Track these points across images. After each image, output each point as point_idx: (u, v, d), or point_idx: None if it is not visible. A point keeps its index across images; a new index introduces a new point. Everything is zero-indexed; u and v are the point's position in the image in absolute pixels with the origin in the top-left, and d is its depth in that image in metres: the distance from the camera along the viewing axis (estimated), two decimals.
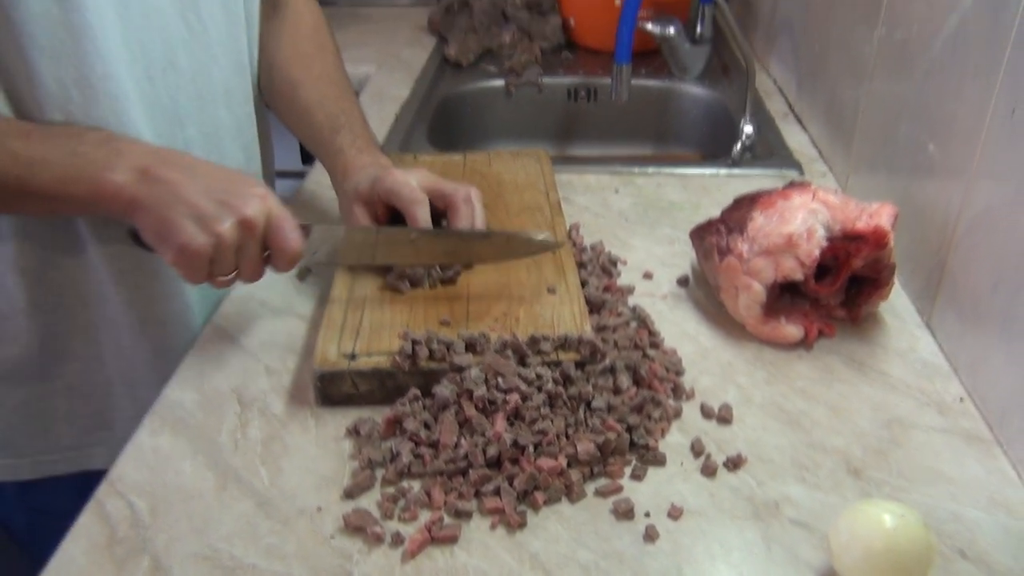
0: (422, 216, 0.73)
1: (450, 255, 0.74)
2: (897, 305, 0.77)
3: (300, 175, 1.07)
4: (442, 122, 1.28)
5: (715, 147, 1.28)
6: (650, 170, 1.03)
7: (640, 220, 0.93)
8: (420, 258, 0.73)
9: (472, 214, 0.75)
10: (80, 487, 0.61)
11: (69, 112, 0.66)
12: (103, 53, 0.66)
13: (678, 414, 0.64)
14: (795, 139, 1.11)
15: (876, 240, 0.68)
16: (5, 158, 0.60)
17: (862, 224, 0.68)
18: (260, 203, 0.63)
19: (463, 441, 0.59)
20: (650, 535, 0.55)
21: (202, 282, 0.64)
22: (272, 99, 0.89)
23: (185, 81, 0.76)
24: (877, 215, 0.69)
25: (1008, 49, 0.62)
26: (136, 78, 0.70)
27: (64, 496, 0.79)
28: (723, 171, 1.02)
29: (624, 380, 0.64)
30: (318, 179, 0.99)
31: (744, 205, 0.74)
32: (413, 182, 0.75)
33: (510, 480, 0.57)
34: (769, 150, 1.08)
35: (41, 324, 0.74)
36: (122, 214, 0.62)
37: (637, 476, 0.59)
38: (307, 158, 1.49)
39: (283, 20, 0.90)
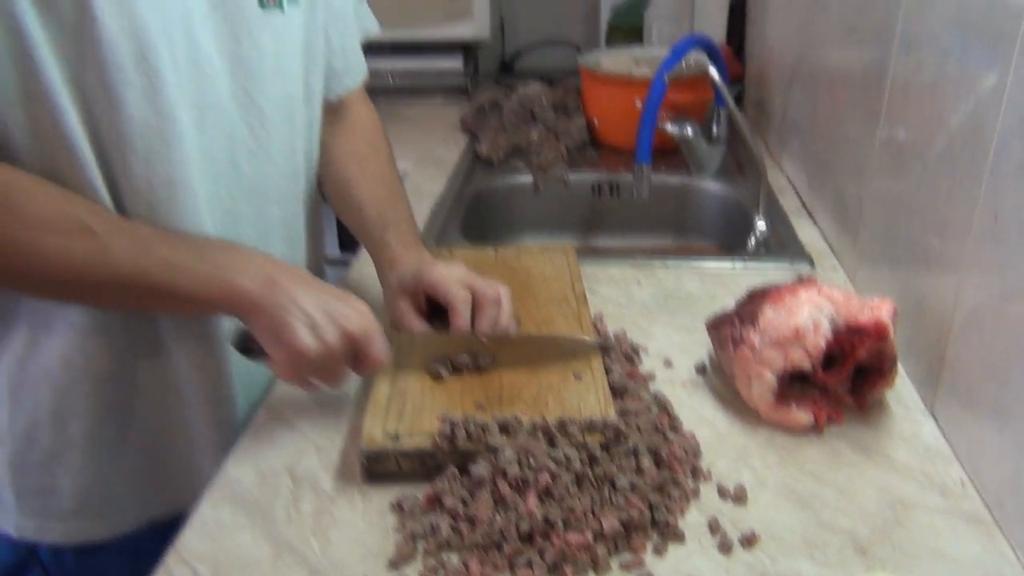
0: (464, 311, 0.80)
1: (504, 352, 0.81)
2: (902, 392, 0.82)
3: (337, 262, 1.16)
4: (475, 216, 1.36)
5: (731, 239, 1.35)
6: (669, 263, 1.10)
7: (660, 310, 0.99)
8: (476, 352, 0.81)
9: (498, 315, 0.82)
10: (134, 553, 0.66)
11: (151, 206, 0.74)
12: (183, 157, 0.75)
13: (696, 494, 0.69)
14: (807, 233, 1.18)
15: (877, 333, 0.74)
16: (153, 262, 0.68)
17: (864, 318, 0.74)
18: (360, 319, 0.71)
19: (498, 517, 0.65)
20: None
21: (297, 381, 0.71)
22: (329, 194, 0.98)
23: (245, 182, 0.84)
24: (878, 310, 0.75)
25: (990, 158, 0.69)
26: (204, 179, 0.79)
27: (120, 564, 0.86)
28: (738, 264, 1.09)
29: (646, 461, 0.69)
30: (361, 269, 1.06)
31: (756, 299, 0.81)
32: (454, 277, 0.83)
33: (541, 554, 0.62)
34: (782, 244, 1.15)
35: (113, 399, 0.80)
36: (242, 315, 0.70)
37: (658, 551, 0.64)
38: (344, 246, 1.58)
39: (343, 123, 0.99)
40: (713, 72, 1.21)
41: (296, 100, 0.87)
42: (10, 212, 0.66)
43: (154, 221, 0.75)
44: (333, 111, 0.97)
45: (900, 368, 0.80)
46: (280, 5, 0.82)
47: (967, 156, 0.73)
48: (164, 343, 0.80)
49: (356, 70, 1.00)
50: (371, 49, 1.04)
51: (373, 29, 1.03)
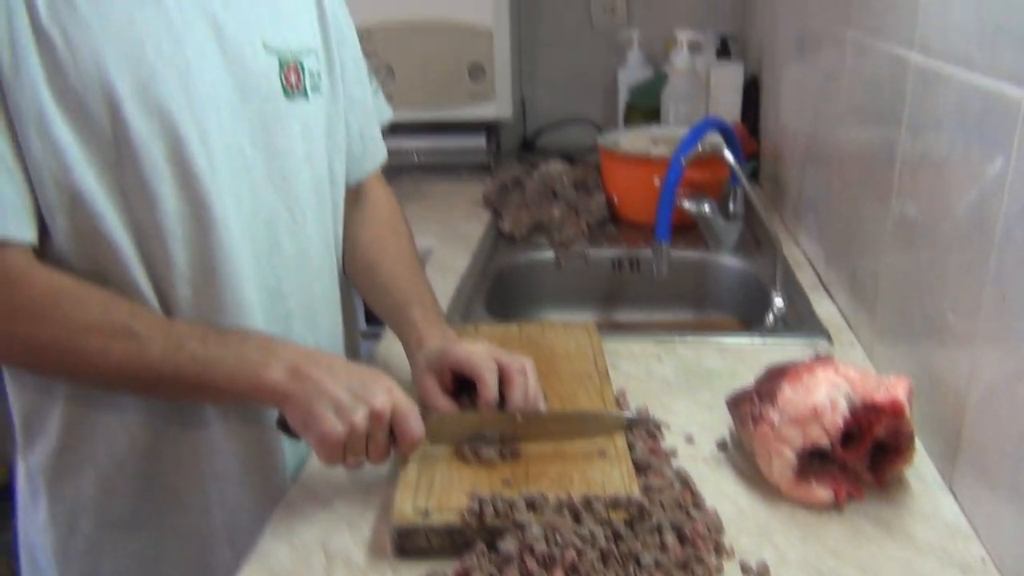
0: (492, 381, 0.83)
1: (529, 429, 0.83)
2: (921, 468, 0.83)
3: (366, 335, 1.20)
4: (498, 292, 1.40)
5: (750, 313, 1.38)
6: (690, 339, 1.13)
7: (682, 386, 1.01)
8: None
9: (526, 384, 0.85)
10: None
11: (196, 289, 0.79)
12: (224, 241, 0.80)
13: (719, 571, 0.71)
14: (824, 308, 1.21)
15: (893, 411, 0.76)
16: (186, 358, 0.73)
17: (880, 397, 0.76)
18: (387, 395, 0.74)
19: None
20: None
21: (336, 463, 0.74)
22: (354, 276, 1.02)
23: (288, 261, 0.88)
24: (894, 388, 0.77)
25: (996, 241, 0.72)
26: (249, 260, 0.83)
27: None
28: (757, 340, 1.12)
29: (670, 538, 0.71)
30: (388, 346, 1.10)
31: (774, 377, 0.83)
32: (480, 352, 0.86)
33: None
34: (800, 319, 1.18)
35: (156, 478, 0.84)
36: (273, 405, 0.74)
37: None
38: (370, 318, 1.62)
39: (364, 208, 1.04)
40: (728, 155, 1.25)
41: (324, 182, 0.93)
42: (56, 318, 0.72)
43: (199, 305, 0.79)
44: (354, 193, 1.02)
45: (919, 444, 0.81)
46: (305, 94, 0.87)
47: (974, 237, 0.76)
48: (208, 419, 0.83)
49: (375, 154, 1.05)
50: (397, 129, 1.10)
51: (388, 116, 1.09)
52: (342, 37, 0.96)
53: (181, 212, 0.77)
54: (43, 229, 0.73)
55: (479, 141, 1.95)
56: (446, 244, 1.53)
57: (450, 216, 1.68)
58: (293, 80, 0.85)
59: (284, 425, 0.76)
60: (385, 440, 0.75)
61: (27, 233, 0.72)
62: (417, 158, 1.96)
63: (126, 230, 0.75)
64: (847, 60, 1.18)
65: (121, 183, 0.74)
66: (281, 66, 0.85)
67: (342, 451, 0.73)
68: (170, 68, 0.75)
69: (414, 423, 0.75)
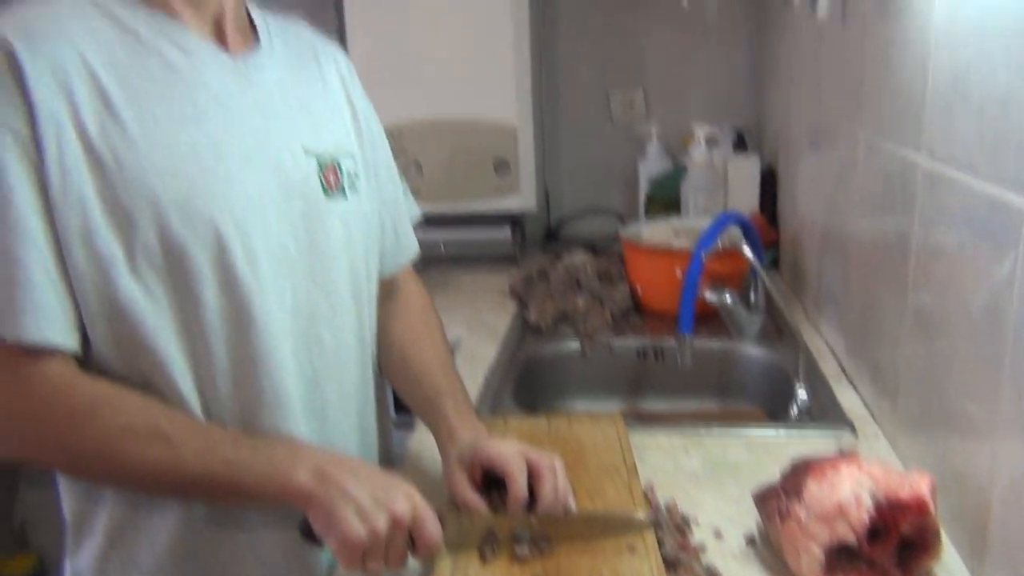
0: (521, 480, 0.86)
1: (558, 527, 0.85)
2: (949, 563, 0.84)
3: (395, 424, 1.23)
4: (525, 382, 1.43)
5: (774, 403, 1.39)
6: (715, 431, 1.15)
7: (709, 479, 1.03)
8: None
9: (555, 481, 0.87)
10: None
11: (238, 382, 0.83)
12: (265, 337, 0.83)
13: None
14: (847, 399, 1.22)
15: (918, 508, 0.77)
16: (218, 462, 0.76)
17: (904, 494, 0.78)
18: (407, 502, 0.77)
19: None
20: None
21: (356, 568, 0.76)
22: (387, 368, 1.06)
23: (326, 352, 0.91)
24: (917, 485, 0.78)
25: (1009, 340, 0.74)
26: (289, 354, 0.87)
27: None
28: (782, 432, 1.13)
29: None
30: (421, 439, 1.13)
31: (800, 472, 0.85)
32: (510, 450, 0.88)
33: None
34: (824, 410, 1.19)
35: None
36: (299, 507, 0.77)
37: None
38: (399, 408, 1.65)
39: (396, 301, 1.08)
40: (747, 251, 1.29)
41: (361, 275, 0.97)
42: (95, 424, 0.76)
43: (240, 399, 0.83)
44: (386, 287, 1.07)
45: (946, 539, 0.82)
46: (343, 193, 0.92)
47: (988, 334, 0.78)
48: (248, 523, 0.86)
49: (407, 249, 1.10)
50: (425, 221, 1.15)
51: (417, 214, 1.14)
52: (374, 140, 1.03)
53: (224, 312, 0.81)
54: (84, 336, 0.78)
55: (504, 233, 2.01)
56: (474, 334, 1.57)
57: (477, 307, 1.72)
58: (332, 180, 0.91)
59: (306, 532, 0.78)
60: (404, 546, 0.77)
61: (70, 342, 0.76)
62: (444, 249, 2.02)
63: (168, 334, 0.79)
64: (859, 156, 1.22)
65: (165, 290, 0.78)
66: (320, 167, 0.90)
67: (362, 555, 0.75)
68: (213, 179, 0.80)
69: (432, 529, 0.78)
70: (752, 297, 1.48)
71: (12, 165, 0.72)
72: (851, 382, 1.28)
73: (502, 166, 1.93)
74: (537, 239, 2.22)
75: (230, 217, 0.80)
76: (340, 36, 2.03)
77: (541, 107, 2.10)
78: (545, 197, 2.19)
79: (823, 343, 1.44)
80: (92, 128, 0.75)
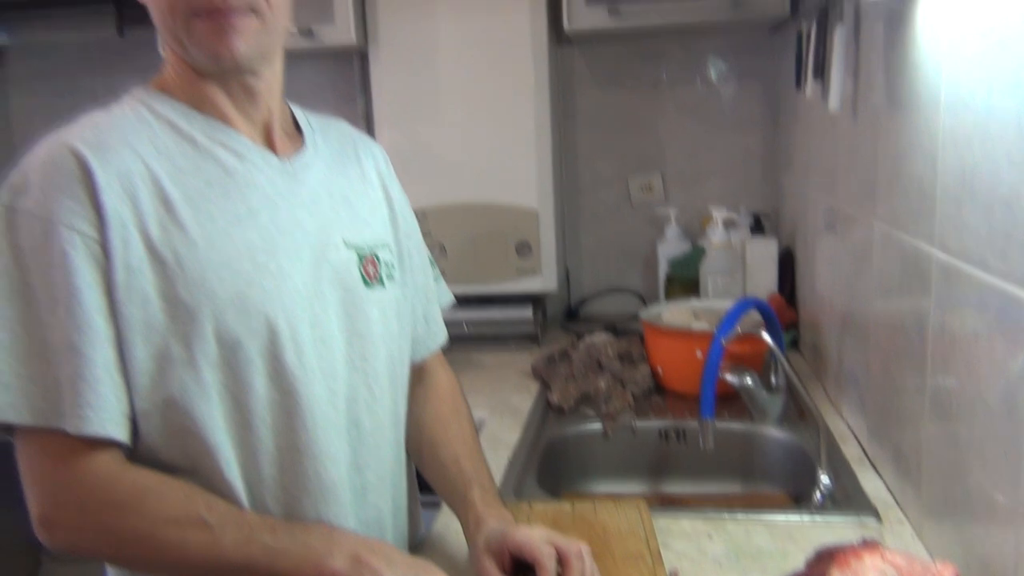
0: (551, 566, 0.87)
1: None
2: None
3: (423, 503, 1.25)
4: (549, 464, 1.44)
5: (798, 485, 1.39)
6: (739, 516, 1.15)
7: (733, 566, 1.03)
8: None
9: (583, 568, 0.89)
10: None
11: (283, 467, 0.86)
12: (310, 423, 0.87)
13: None
14: (871, 484, 1.22)
15: None
16: (257, 549, 0.79)
17: None
18: None
19: None
20: None
21: None
22: (414, 453, 1.08)
23: (365, 436, 0.95)
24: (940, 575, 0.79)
25: None
26: (332, 438, 0.90)
27: None
28: (806, 518, 1.14)
29: None
30: (446, 522, 1.14)
31: (823, 560, 0.85)
32: (538, 536, 0.90)
33: None
34: (847, 495, 1.20)
35: None
36: None
37: None
38: (421, 487, 1.66)
39: (426, 386, 1.12)
40: (766, 336, 1.32)
41: (396, 361, 1.00)
42: (140, 512, 0.79)
43: (284, 483, 0.86)
44: (416, 371, 1.10)
45: None
46: (382, 282, 0.97)
47: (1008, 420, 0.80)
48: None
49: (436, 335, 1.14)
50: None
51: (448, 300, 1.18)
52: (408, 229, 1.08)
53: (271, 401, 0.85)
54: (133, 426, 0.81)
55: (526, 312, 2.05)
56: (497, 416, 1.59)
57: (500, 387, 1.75)
58: (371, 271, 0.96)
59: None
60: None
61: (122, 434, 0.79)
62: (467, 329, 2.05)
63: (217, 422, 0.82)
64: (875, 242, 1.25)
65: (217, 381, 0.82)
66: (360, 259, 0.95)
67: None
68: (265, 274, 0.85)
69: None
70: (773, 379, 1.49)
71: (81, 267, 0.77)
72: (874, 466, 1.28)
73: (524, 248, 1.98)
74: (557, 317, 2.26)
75: (281, 310, 0.85)
76: (368, 125, 2.12)
77: (561, 191, 2.16)
78: (566, 277, 2.23)
79: (845, 426, 1.44)
80: (155, 230, 0.80)
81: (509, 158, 1.95)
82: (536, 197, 1.96)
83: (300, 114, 1.00)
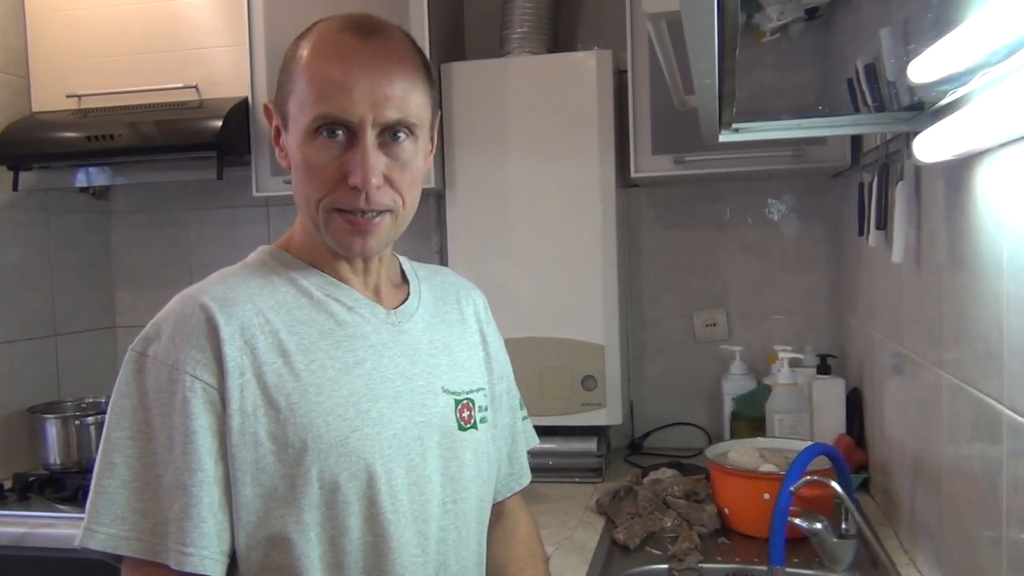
0: None
1: None
2: None
3: None
4: None
5: None
6: None
7: None
8: None
9: None
10: None
11: None
12: (399, 565, 0.90)
13: None
14: None
15: None
16: None
17: None
18: None
19: None
20: None
21: None
22: None
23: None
24: None
25: None
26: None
27: None
28: None
29: None
30: None
31: None
32: None
33: None
34: None
35: None
36: None
37: None
38: None
39: (505, 527, 1.14)
40: (835, 486, 1.32)
41: (483, 501, 1.04)
42: None
43: None
44: (496, 511, 1.13)
45: None
46: (475, 425, 1.02)
47: None
48: None
49: (520, 476, 1.17)
50: None
51: (534, 442, 1.22)
52: (501, 373, 1.13)
53: (364, 541, 0.89)
54: (232, 560, 0.86)
55: (590, 445, 2.07)
56: (563, 552, 1.59)
57: (565, 521, 1.75)
58: (466, 415, 1.01)
59: None
60: None
61: (218, 571, 0.85)
62: (530, 460, 2.07)
63: (312, 561, 0.87)
64: (943, 390, 1.26)
65: (316, 520, 0.87)
66: (456, 404, 1.00)
67: None
68: (367, 420, 0.91)
69: None
70: (844, 525, 1.47)
71: (199, 412, 0.85)
72: None
73: (589, 381, 2.02)
74: (621, 449, 2.27)
75: (379, 454, 0.90)
76: (442, 260, 2.23)
77: (628, 326, 2.21)
78: (630, 410, 2.25)
79: None
80: (271, 377, 0.88)
81: (577, 294, 2.02)
82: (602, 332, 2.01)
83: (408, 265, 1.08)
